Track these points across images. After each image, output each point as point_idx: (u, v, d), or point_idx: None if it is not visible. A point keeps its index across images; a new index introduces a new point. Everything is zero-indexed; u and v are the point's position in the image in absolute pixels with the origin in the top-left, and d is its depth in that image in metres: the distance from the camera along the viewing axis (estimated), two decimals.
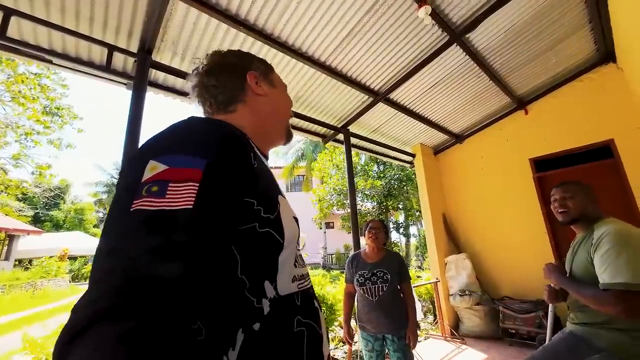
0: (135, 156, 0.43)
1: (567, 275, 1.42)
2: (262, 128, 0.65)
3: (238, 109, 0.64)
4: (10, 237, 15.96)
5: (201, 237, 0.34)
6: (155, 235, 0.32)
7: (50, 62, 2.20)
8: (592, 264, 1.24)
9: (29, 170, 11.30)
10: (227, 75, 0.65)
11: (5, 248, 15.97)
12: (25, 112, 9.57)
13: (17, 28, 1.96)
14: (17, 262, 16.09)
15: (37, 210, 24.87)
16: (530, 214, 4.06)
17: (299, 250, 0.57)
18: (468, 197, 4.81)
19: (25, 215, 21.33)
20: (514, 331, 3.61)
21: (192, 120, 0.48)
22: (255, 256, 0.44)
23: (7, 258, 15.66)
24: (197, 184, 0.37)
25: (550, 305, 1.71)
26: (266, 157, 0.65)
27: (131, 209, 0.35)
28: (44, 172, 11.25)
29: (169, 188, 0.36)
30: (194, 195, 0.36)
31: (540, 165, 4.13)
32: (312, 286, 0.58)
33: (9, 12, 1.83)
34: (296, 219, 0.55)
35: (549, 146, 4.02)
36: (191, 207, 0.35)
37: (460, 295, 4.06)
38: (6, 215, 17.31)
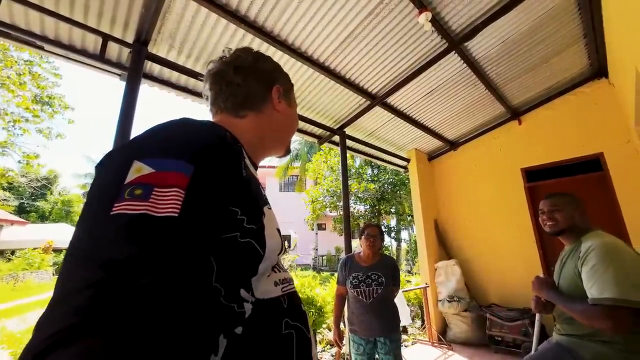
0: (119, 154, 0.41)
1: (556, 286, 1.43)
2: (264, 141, 0.64)
3: (249, 116, 0.62)
4: None
5: (182, 247, 0.33)
6: (135, 243, 0.31)
7: (42, 48, 2.13)
8: (580, 277, 1.25)
9: (16, 159, 10.98)
10: (255, 80, 0.64)
11: None
12: (15, 99, 9.32)
13: (7, 11, 1.90)
14: None
15: (23, 201, 24.24)
16: (520, 223, 4.11)
17: (282, 252, 0.55)
18: (460, 204, 4.85)
19: (9, 205, 20.76)
20: (500, 338, 3.64)
21: (183, 121, 0.46)
22: (233, 265, 0.43)
23: None
24: (184, 191, 0.35)
25: (537, 314, 1.72)
26: (256, 167, 0.63)
27: (111, 213, 0.33)
28: (32, 161, 10.93)
29: (154, 192, 0.34)
30: (179, 202, 0.34)
31: (532, 175, 4.19)
32: (296, 291, 0.57)
33: None
34: (279, 231, 0.54)
35: (541, 157, 4.09)
36: (176, 214, 0.34)
37: (448, 301, 4.08)
38: None
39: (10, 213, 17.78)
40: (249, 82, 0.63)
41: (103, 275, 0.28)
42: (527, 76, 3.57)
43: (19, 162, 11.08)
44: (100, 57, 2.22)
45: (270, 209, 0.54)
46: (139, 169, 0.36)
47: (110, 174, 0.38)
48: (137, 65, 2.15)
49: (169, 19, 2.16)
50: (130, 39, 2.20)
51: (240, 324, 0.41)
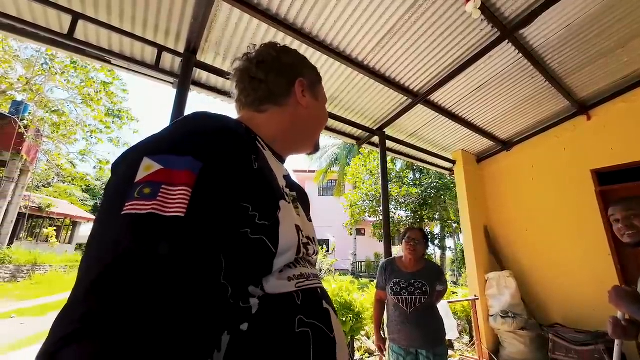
0: (131, 151, 0.41)
1: None
2: (288, 135, 0.62)
3: (270, 110, 0.61)
4: (74, 223, 18.00)
5: (189, 248, 0.33)
6: (143, 244, 0.31)
7: (109, 62, 2.41)
8: None
9: (92, 164, 12.67)
10: (277, 74, 0.62)
11: (70, 233, 18.05)
12: (92, 113, 10.82)
13: (83, 30, 2.18)
14: (78, 246, 18.05)
15: (97, 201, 27.75)
16: (591, 232, 3.57)
17: (301, 255, 0.51)
18: (515, 210, 4.39)
19: (87, 205, 23.92)
20: None
21: (193, 116, 0.46)
22: (242, 263, 0.41)
23: (70, 242, 17.69)
24: (191, 189, 0.35)
25: (616, 340, 1.45)
26: (282, 160, 0.62)
27: (122, 212, 0.33)
28: (104, 167, 12.52)
29: (162, 190, 0.34)
30: (186, 201, 0.34)
31: (605, 177, 3.63)
32: (321, 287, 0.53)
33: (77, 16, 2.04)
34: (298, 228, 0.50)
35: (616, 157, 3.53)
36: (183, 214, 0.33)
37: (502, 316, 3.69)
38: (71, 203, 19.51)
39: (88, 212, 20.47)
40: (271, 77, 0.61)
41: (108, 279, 0.29)
42: (598, 64, 3.12)
43: (94, 167, 12.75)
44: (156, 67, 2.44)
45: (289, 202, 0.51)
46: (148, 167, 0.36)
47: (123, 173, 0.39)
48: (186, 73, 2.32)
49: (215, 28, 2.30)
50: (181, 48, 2.39)
51: (246, 320, 0.40)
